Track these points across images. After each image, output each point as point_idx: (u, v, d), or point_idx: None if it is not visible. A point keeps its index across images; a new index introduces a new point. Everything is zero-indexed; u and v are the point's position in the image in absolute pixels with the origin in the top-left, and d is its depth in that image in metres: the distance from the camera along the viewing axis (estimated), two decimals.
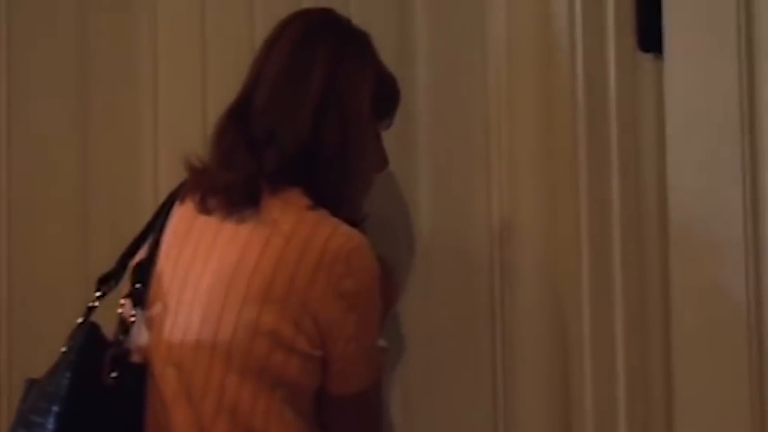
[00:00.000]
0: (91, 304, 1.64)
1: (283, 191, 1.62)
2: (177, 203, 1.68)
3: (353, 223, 1.65)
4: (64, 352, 1.56)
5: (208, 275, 1.59)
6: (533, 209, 1.86)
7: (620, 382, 1.78)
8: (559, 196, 1.83)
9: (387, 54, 1.78)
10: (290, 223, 1.58)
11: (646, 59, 1.78)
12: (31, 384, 1.59)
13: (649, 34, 1.77)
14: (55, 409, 1.49)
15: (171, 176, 1.79)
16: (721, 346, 1.67)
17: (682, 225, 1.71)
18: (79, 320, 1.62)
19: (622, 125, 1.79)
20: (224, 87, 1.75)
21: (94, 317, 1.64)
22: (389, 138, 1.83)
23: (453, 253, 1.92)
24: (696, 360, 1.69)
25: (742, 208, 1.66)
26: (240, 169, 1.62)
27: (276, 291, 1.55)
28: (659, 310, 1.76)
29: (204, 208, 1.63)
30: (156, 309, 1.61)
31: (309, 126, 1.62)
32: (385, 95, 1.75)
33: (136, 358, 1.58)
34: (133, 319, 1.60)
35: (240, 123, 1.66)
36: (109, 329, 1.62)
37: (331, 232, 1.58)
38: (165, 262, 1.63)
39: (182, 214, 1.66)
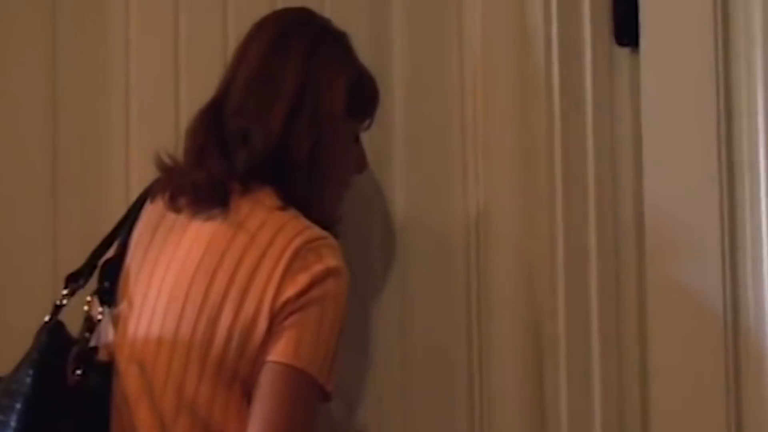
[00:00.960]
0: (58, 302, 1.62)
1: (253, 191, 1.60)
2: (148, 201, 1.67)
3: (327, 225, 1.63)
4: (29, 350, 1.55)
5: (172, 274, 1.58)
6: (509, 205, 1.85)
7: (595, 374, 1.77)
8: (535, 189, 1.82)
9: (362, 50, 1.76)
10: (257, 222, 1.57)
11: (623, 53, 1.78)
12: None
13: (625, 28, 1.77)
14: (17, 406, 1.48)
15: (142, 175, 1.76)
16: (698, 344, 1.67)
17: (658, 218, 1.71)
18: (46, 318, 1.60)
19: (598, 119, 1.78)
20: (197, 85, 1.74)
21: (65, 315, 1.62)
22: (363, 135, 1.81)
23: (429, 246, 1.90)
24: (672, 359, 1.68)
25: (718, 201, 1.66)
26: (211, 168, 1.61)
27: (236, 289, 1.54)
28: (635, 304, 1.76)
29: (173, 206, 1.62)
30: (122, 307, 1.60)
31: (281, 125, 1.60)
32: (363, 96, 1.72)
33: (103, 356, 1.57)
34: (100, 317, 1.59)
35: (213, 122, 1.64)
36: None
37: (298, 232, 1.56)
38: (132, 261, 1.63)
39: (151, 213, 1.65)
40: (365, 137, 1.80)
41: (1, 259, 1.94)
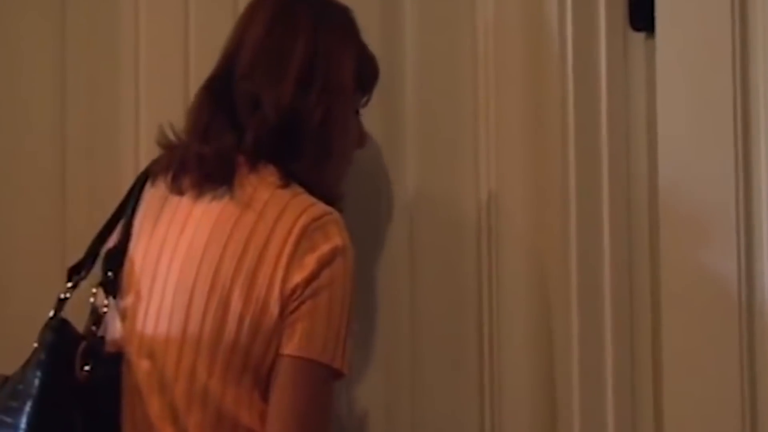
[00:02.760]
0: (62, 296, 1.61)
1: (259, 168, 1.59)
2: (148, 184, 1.65)
3: (330, 202, 1.62)
4: (35, 350, 1.54)
5: (178, 261, 1.57)
6: (521, 193, 1.83)
7: (608, 362, 1.75)
8: (548, 176, 1.80)
9: (374, 34, 1.75)
10: (262, 202, 1.56)
11: (638, 38, 1.75)
12: (5, 381, 1.55)
13: (640, 13, 1.74)
14: (26, 408, 1.47)
15: (152, 156, 1.73)
16: (713, 333, 1.64)
17: (673, 205, 1.69)
18: (51, 314, 1.59)
19: (612, 105, 1.76)
20: (207, 67, 1.71)
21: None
22: (376, 116, 1.81)
23: (440, 231, 1.90)
24: (686, 348, 1.66)
25: (734, 186, 1.64)
26: (217, 141, 1.60)
27: (245, 274, 1.53)
28: (648, 291, 1.74)
29: (176, 188, 1.60)
30: (128, 299, 1.59)
31: (291, 93, 1.59)
32: (366, 71, 1.73)
33: (111, 348, 1.56)
34: (105, 309, 1.58)
35: (219, 93, 1.63)
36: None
37: (303, 210, 1.55)
38: (136, 249, 1.61)
39: (153, 196, 1.63)
40: (376, 119, 1.80)
41: (9, 247, 1.94)
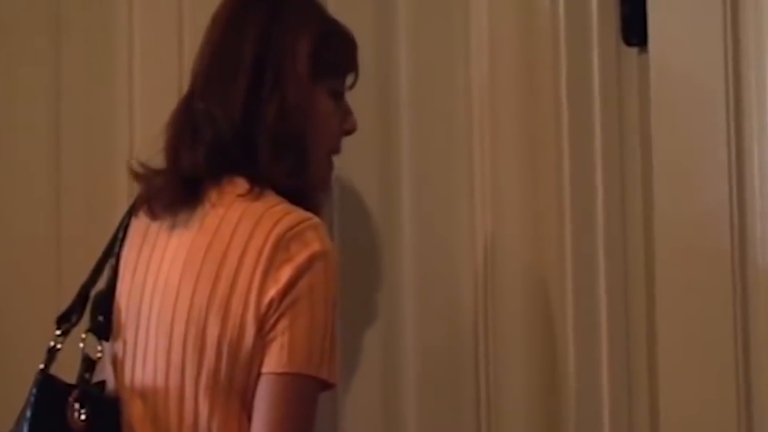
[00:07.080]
0: (52, 345, 1.57)
1: (225, 184, 1.54)
2: (133, 219, 1.62)
3: (316, 199, 1.58)
4: (23, 406, 1.51)
5: (157, 302, 1.53)
6: (518, 208, 1.84)
7: (604, 395, 1.76)
8: (542, 192, 1.81)
9: (367, 58, 1.73)
10: (234, 222, 1.51)
11: (631, 53, 1.77)
12: None
13: (633, 28, 1.75)
14: None
15: None
16: (707, 349, 1.65)
17: (668, 223, 1.69)
18: (41, 366, 1.55)
19: (606, 120, 1.77)
20: None
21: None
22: (370, 148, 1.82)
23: (436, 271, 1.88)
24: (681, 367, 1.67)
25: (728, 202, 1.64)
26: (181, 163, 1.55)
27: (219, 299, 1.48)
28: (644, 322, 1.75)
29: (152, 214, 1.57)
30: (118, 343, 1.57)
31: (243, 98, 1.54)
32: (332, 51, 1.63)
33: (108, 393, 1.55)
34: (99, 354, 1.55)
35: (184, 112, 1.59)
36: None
37: (277, 220, 1.50)
38: (121, 290, 1.58)
39: (136, 230, 1.60)
40: (370, 152, 1.82)
41: (4, 261, 1.92)
